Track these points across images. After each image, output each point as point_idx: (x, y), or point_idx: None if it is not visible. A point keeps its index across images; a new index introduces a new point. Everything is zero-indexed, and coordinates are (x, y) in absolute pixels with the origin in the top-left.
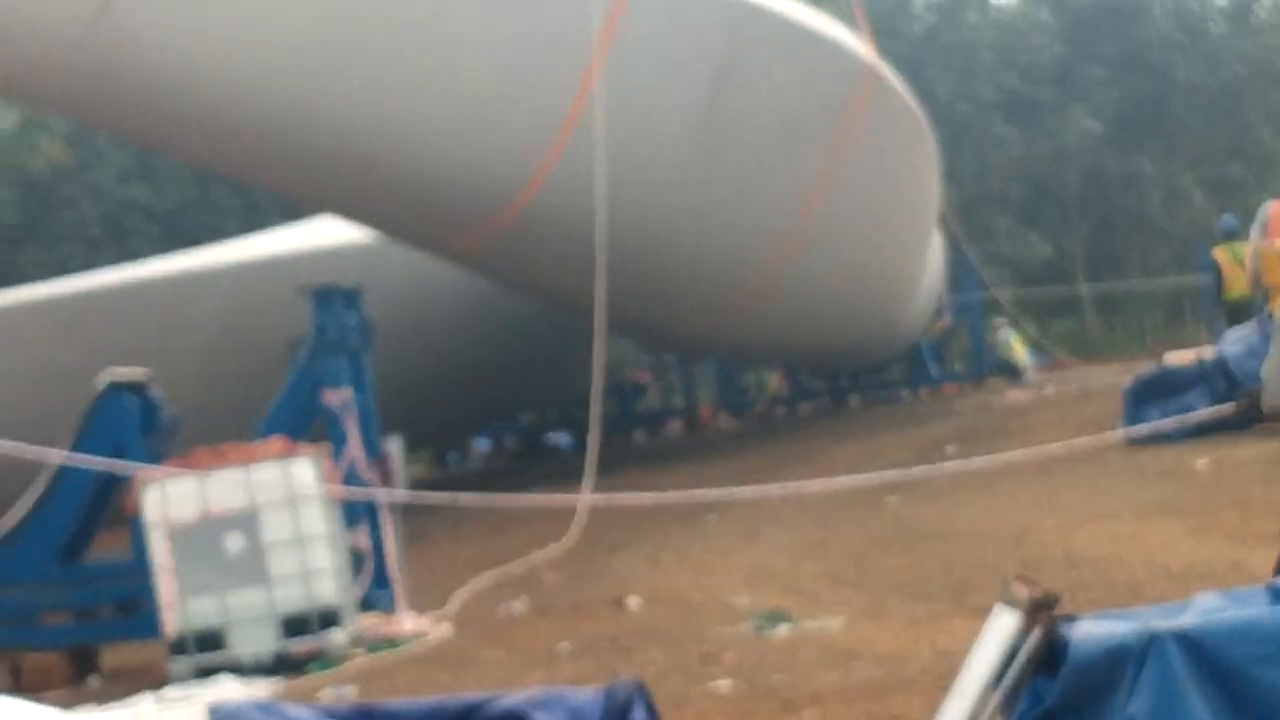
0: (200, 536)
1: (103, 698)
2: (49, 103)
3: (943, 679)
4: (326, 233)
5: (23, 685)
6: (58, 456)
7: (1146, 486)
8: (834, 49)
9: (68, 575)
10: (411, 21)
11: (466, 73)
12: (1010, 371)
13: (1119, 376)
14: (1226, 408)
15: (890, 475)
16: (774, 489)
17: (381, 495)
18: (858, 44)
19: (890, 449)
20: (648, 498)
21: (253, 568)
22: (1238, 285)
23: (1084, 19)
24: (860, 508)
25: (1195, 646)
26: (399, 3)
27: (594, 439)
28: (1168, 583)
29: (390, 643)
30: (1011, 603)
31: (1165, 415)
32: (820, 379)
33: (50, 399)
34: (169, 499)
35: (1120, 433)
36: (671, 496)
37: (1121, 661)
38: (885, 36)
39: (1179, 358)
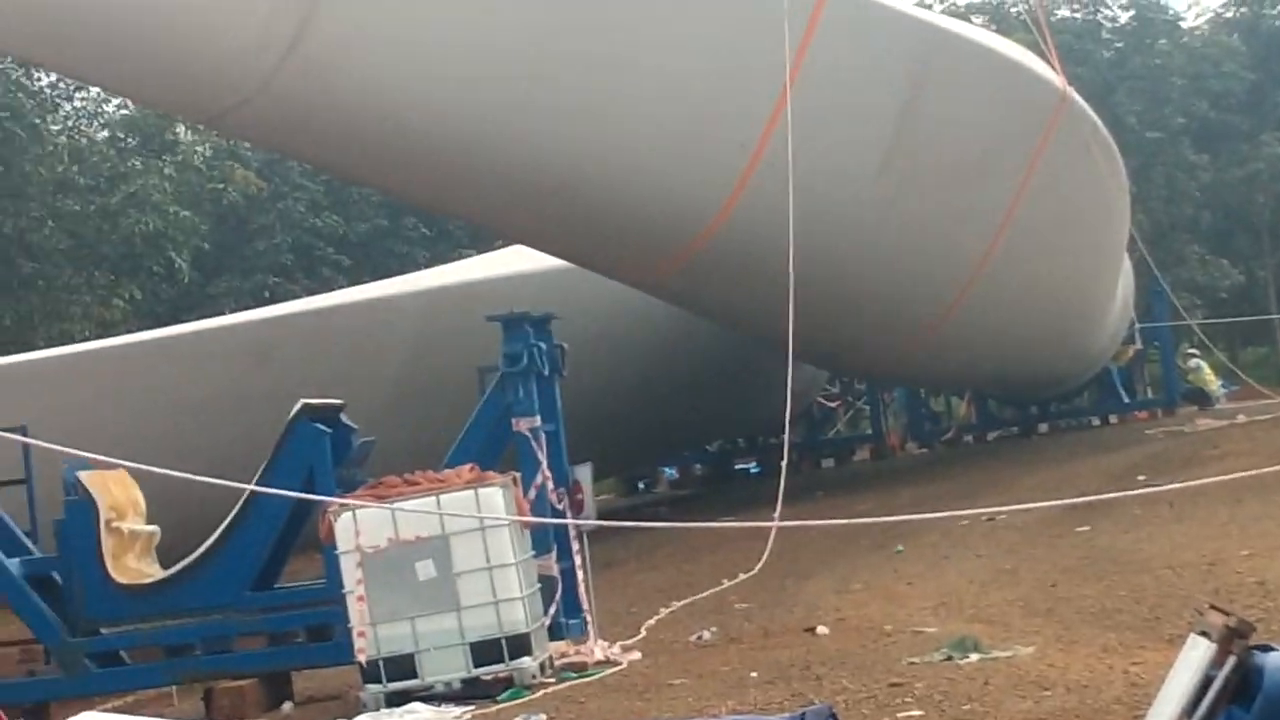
0: (391, 563)
1: None
2: (243, 133)
3: (1136, 709)
4: (516, 261)
5: (215, 712)
6: (251, 487)
7: None
8: (1024, 75)
9: (261, 601)
10: (606, 56)
11: (658, 106)
12: (1201, 398)
13: None
14: None
15: (1082, 500)
16: (964, 515)
17: (572, 522)
18: (1047, 70)
19: (1080, 476)
20: (839, 523)
21: (443, 594)
22: None
23: (1276, 45)
24: (1050, 536)
25: None
26: (593, 38)
27: (783, 466)
28: None
29: (581, 670)
30: (1205, 632)
31: None
32: (1009, 406)
33: (244, 425)
34: (361, 526)
35: None
36: (862, 522)
37: None
38: (1073, 62)
39: None
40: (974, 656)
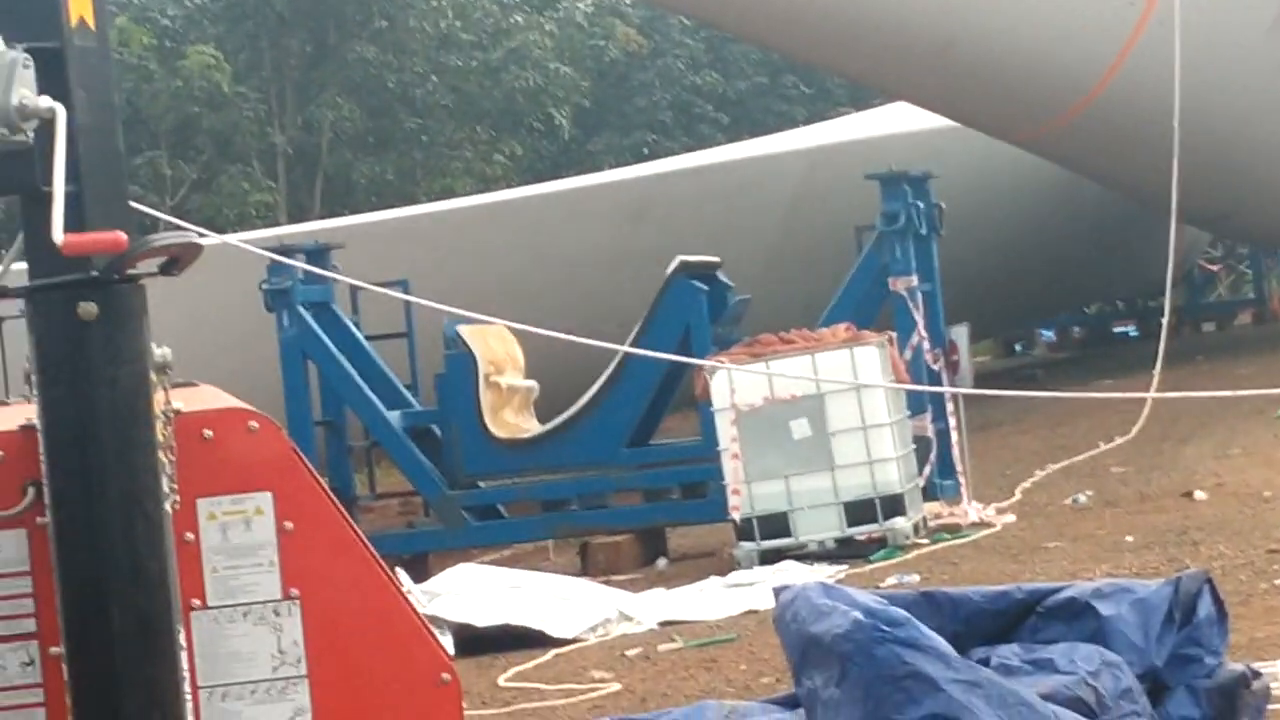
0: (766, 422)
1: (671, 580)
2: None
3: None
4: (896, 120)
5: (591, 567)
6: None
7: None
8: None
9: (636, 458)
10: None
11: None
12: None
13: None
14: None
15: None
16: None
17: (947, 385)
18: None
19: None
20: (1216, 395)
21: (818, 454)
22: None
23: None
24: None
25: None
26: None
27: (1164, 331)
28: None
29: (954, 531)
30: None
31: None
32: None
33: (622, 281)
34: (737, 385)
35: None
36: (1242, 394)
37: None
38: None
39: None
40: None
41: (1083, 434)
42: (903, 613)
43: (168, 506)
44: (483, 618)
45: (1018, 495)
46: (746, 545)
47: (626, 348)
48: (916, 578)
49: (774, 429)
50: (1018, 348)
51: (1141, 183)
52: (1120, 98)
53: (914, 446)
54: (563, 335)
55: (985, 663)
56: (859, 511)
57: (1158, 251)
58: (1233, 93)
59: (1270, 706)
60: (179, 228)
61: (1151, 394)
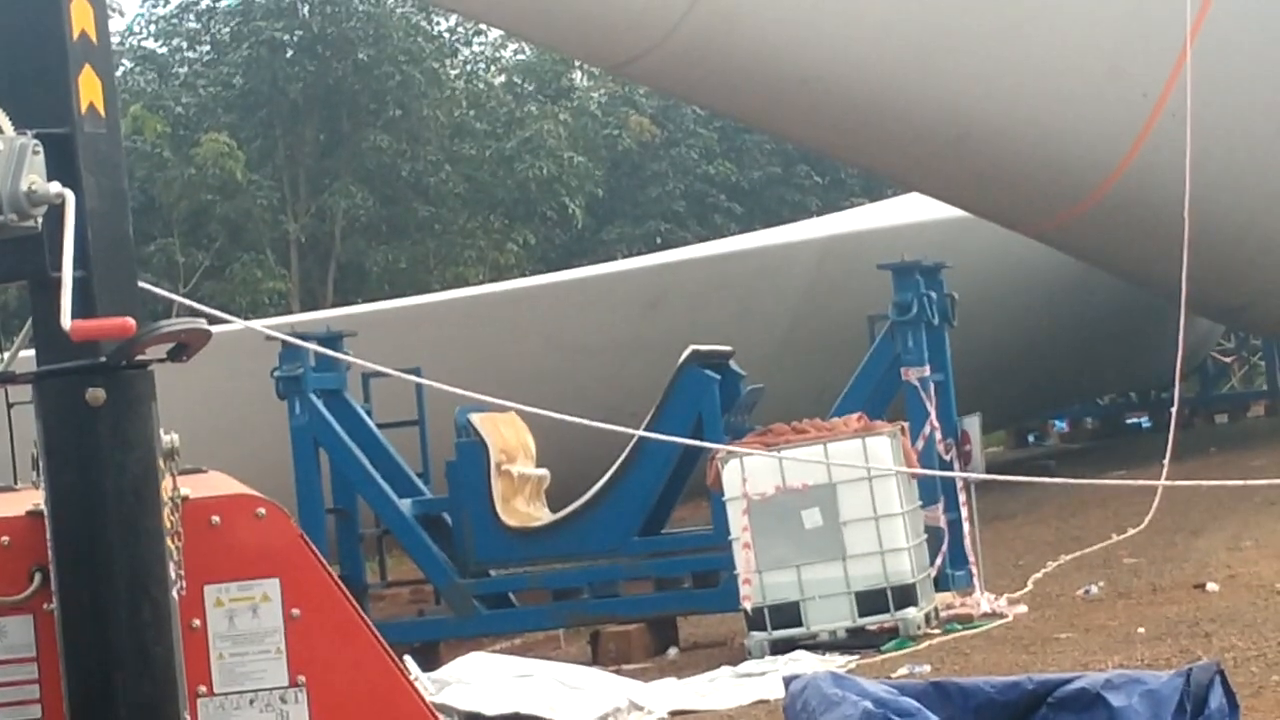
0: (778, 511)
1: (682, 669)
2: (646, 80)
3: None
4: (909, 210)
5: (602, 656)
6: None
7: None
8: None
9: (648, 547)
10: (1008, 5)
11: (1060, 59)
12: None
13: None
14: None
15: None
16: None
17: (959, 474)
18: None
19: None
20: (1227, 484)
21: (829, 543)
22: None
23: None
24: None
25: None
26: None
27: (1174, 420)
28: None
29: (966, 622)
30: None
31: None
32: None
33: (634, 370)
34: (748, 474)
35: None
36: (1254, 484)
37: None
38: None
39: None
40: None
41: (1095, 525)
42: (913, 703)
43: (174, 592)
44: (493, 706)
45: (1030, 586)
46: (758, 635)
47: (640, 432)
48: (928, 668)
49: (786, 518)
50: (1031, 438)
51: (1154, 274)
52: (1134, 191)
53: (926, 536)
54: (575, 419)
55: None
56: (871, 601)
57: (1171, 343)
58: (1246, 186)
59: None
60: (195, 313)
61: (1163, 481)
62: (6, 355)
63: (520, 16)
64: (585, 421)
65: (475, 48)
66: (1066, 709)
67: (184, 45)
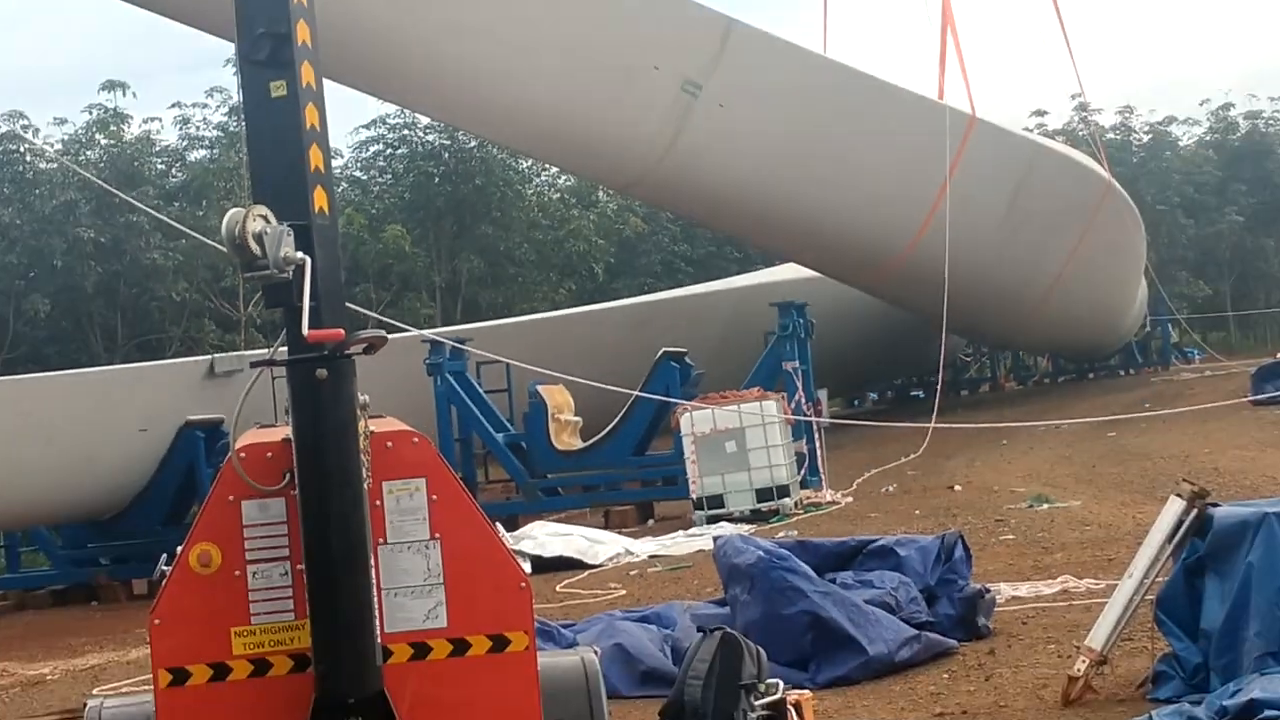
0: (712, 443)
1: (656, 531)
2: (640, 197)
3: (1139, 537)
4: (788, 272)
5: (610, 523)
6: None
7: (1265, 430)
8: (1085, 171)
9: (638, 462)
10: (842, 153)
11: (869, 181)
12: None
13: (1249, 367)
14: None
15: (1110, 417)
16: (1041, 424)
17: (815, 421)
18: (1099, 168)
19: (1112, 404)
20: (967, 427)
21: (740, 461)
22: None
23: (1234, 156)
24: (1092, 438)
25: None
26: (835, 143)
27: (938, 393)
28: (1275, 486)
29: (817, 506)
30: (1180, 495)
31: (1278, 389)
32: (1071, 362)
33: (627, 367)
34: (695, 421)
35: (1249, 399)
36: (982, 427)
37: (1245, 530)
38: (1115, 163)
39: None
40: (1045, 506)
41: (892, 452)
42: (786, 552)
43: (366, 485)
44: (547, 551)
45: (854, 486)
46: (699, 513)
47: (636, 391)
48: (796, 532)
49: (716, 447)
50: (855, 403)
51: (926, 308)
52: (915, 263)
53: (795, 458)
54: (598, 384)
55: (833, 582)
56: (764, 494)
57: (936, 348)
58: (977, 261)
59: (995, 610)
60: (380, 325)
61: (931, 424)
62: (271, 351)
63: (563, 156)
64: (603, 385)
65: (543, 176)
66: (874, 556)
67: (376, 173)
